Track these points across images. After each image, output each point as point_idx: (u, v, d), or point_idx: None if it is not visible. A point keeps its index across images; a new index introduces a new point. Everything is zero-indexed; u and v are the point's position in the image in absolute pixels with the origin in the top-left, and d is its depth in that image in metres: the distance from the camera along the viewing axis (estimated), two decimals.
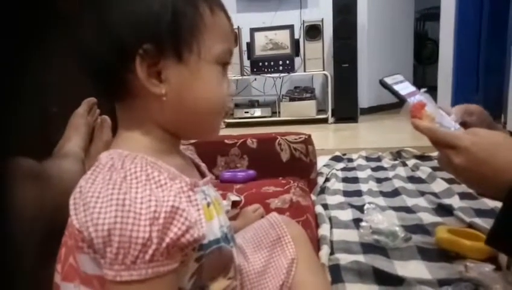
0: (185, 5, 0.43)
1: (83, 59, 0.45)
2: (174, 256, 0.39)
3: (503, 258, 0.84)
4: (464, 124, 0.71)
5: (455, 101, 2.83)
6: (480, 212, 1.16)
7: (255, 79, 3.62)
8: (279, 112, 3.43)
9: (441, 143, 0.62)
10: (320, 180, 1.58)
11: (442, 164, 0.65)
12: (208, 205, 0.47)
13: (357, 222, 1.13)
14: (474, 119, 0.73)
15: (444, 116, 0.70)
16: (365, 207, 1.18)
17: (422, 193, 1.40)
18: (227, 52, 0.47)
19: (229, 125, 3.37)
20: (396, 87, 0.71)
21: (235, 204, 0.96)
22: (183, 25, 0.43)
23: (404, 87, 0.74)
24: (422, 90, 0.74)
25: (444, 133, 0.62)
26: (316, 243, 0.97)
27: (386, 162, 1.89)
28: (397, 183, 1.52)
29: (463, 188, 1.32)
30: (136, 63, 0.41)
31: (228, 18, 0.48)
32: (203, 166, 0.56)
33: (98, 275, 0.40)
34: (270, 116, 3.48)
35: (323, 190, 1.48)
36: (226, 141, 1.27)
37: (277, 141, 1.26)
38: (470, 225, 1.06)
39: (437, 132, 0.63)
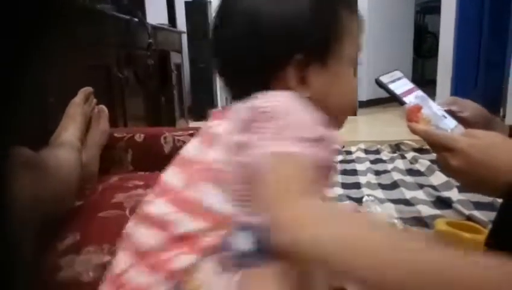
0: (331, 15, 0.46)
1: (229, 66, 0.49)
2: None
3: None
4: (462, 120, 0.71)
5: (454, 95, 2.82)
6: (479, 205, 1.16)
7: None
8: None
9: (438, 146, 0.62)
10: None
11: (440, 165, 0.64)
12: None
13: None
14: (468, 115, 0.72)
15: (441, 117, 0.70)
16: (364, 199, 1.18)
17: (421, 186, 1.40)
18: (359, 53, 0.50)
19: None
20: (392, 86, 0.70)
21: None
22: (330, 35, 0.46)
23: (402, 85, 0.73)
24: (419, 91, 0.73)
25: (441, 136, 0.62)
26: None
27: (385, 155, 1.89)
28: (396, 176, 1.52)
29: None
30: (288, 71, 0.45)
31: (359, 18, 0.50)
32: None
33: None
34: None
35: None
36: None
37: None
38: (469, 218, 1.06)
39: (433, 135, 0.62)
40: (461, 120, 0.71)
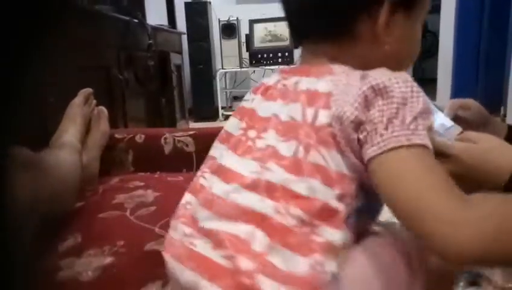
0: None
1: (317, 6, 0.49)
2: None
3: None
4: (459, 119, 0.71)
5: (455, 93, 2.82)
6: None
7: (254, 71, 3.60)
8: None
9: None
10: None
11: None
12: None
13: None
14: (469, 114, 0.72)
15: (436, 119, 0.70)
16: None
17: None
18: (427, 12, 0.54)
19: (227, 117, 3.36)
20: None
21: None
22: None
23: None
24: None
25: (435, 142, 0.62)
26: None
27: None
28: None
29: None
30: (382, 10, 0.47)
31: None
32: None
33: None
34: None
35: None
36: None
37: None
38: None
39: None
40: (458, 119, 0.71)
